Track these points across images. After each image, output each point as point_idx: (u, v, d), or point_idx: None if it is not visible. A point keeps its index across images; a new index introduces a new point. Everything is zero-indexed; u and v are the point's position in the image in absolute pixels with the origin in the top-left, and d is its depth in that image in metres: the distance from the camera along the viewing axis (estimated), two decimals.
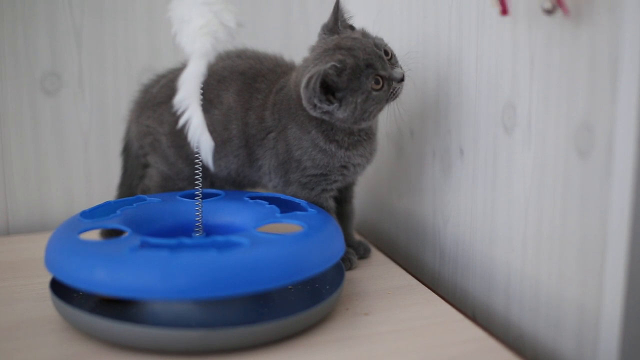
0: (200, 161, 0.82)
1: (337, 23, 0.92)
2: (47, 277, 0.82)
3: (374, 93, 0.88)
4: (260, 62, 1.00)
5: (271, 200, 0.92)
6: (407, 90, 1.07)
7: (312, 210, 0.86)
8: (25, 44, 1.14)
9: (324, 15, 1.30)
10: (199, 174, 0.85)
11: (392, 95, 0.90)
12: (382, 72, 0.88)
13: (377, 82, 0.87)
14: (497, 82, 0.85)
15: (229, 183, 1.01)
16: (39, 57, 1.15)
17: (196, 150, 0.80)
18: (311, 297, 0.82)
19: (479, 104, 0.89)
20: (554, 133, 0.75)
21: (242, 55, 1.02)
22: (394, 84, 0.89)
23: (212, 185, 1.01)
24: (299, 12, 1.29)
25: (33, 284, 0.89)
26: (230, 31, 0.79)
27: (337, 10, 0.92)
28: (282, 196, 0.92)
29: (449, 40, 0.95)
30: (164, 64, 1.21)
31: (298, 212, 0.86)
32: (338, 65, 0.86)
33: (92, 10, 1.17)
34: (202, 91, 0.78)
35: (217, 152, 0.92)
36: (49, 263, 0.76)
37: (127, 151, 1.08)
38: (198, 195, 0.87)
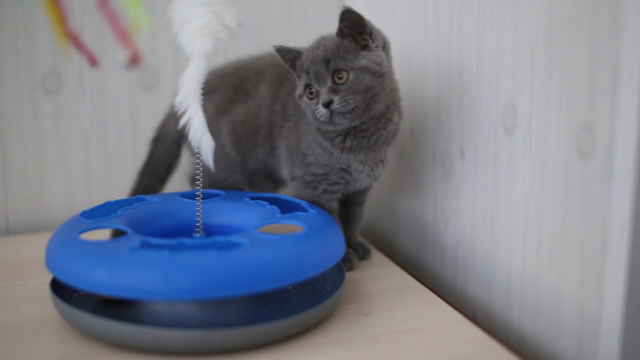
0: (201, 161, 0.82)
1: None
2: (47, 277, 0.82)
3: (304, 99, 0.90)
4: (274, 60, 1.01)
5: (272, 200, 0.92)
6: (408, 91, 1.08)
7: (313, 211, 0.86)
8: (25, 43, 1.14)
9: (324, 15, 1.31)
10: (199, 174, 0.85)
11: (315, 113, 0.87)
12: (314, 85, 0.88)
13: (310, 92, 0.89)
14: (497, 83, 0.85)
15: (265, 177, 1.03)
16: (40, 57, 1.15)
17: (197, 150, 0.80)
18: (311, 298, 0.82)
19: (480, 105, 0.89)
20: (555, 134, 0.75)
21: (279, 62, 1.02)
22: (320, 104, 0.87)
23: (250, 183, 1.03)
24: (299, 12, 1.29)
25: (33, 284, 0.89)
26: (231, 31, 0.79)
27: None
28: (283, 197, 0.92)
29: (450, 41, 0.95)
30: (165, 64, 1.22)
31: (298, 213, 0.86)
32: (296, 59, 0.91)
33: (92, 10, 1.17)
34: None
35: (250, 142, 0.98)
36: (50, 263, 0.76)
37: (157, 141, 1.08)
38: (198, 196, 0.87)
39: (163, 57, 1.21)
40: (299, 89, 0.90)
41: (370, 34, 0.89)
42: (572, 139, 0.72)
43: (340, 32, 0.88)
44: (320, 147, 0.92)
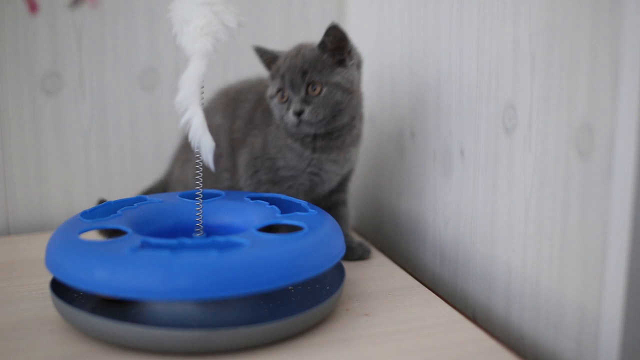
0: (201, 161, 0.82)
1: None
2: (47, 277, 0.82)
3: (275, 100, 0.94)
4: (241, 82, 1.08)
5: (272, 200, 0.92)
6: (408, 91, 1.08)
7: (313, 211, 0.86)
8: (25, 43, 1.14)
9: (324, 15, 1.31)
10: (199, 174, 0.85)
11: (284, 117, 0.93)
12: (287, 90, 0.92)
13: (282, 96, 0.93)
14: (497, 82, 0.85)
15: None
16: (40, 57, 1.15)
17: (197, 150, 0.80)
18: (311, 298, 0.82)
19: (480, 104, 0.89)
20: (555, 134, 0.75)
21: (227, 89, 1.09)
22: (290, 111, 0.92)
23: None
24: (299, 12, 1.29)
25: (33, 284, 0.89)
26: (231, 31, 0.79)
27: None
28: (283, 197, 0.93)
29: (450, 40, 0.95)
30: (165, 64, 1.22)
31: (298, 213, 0.86)
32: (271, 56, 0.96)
33: (92, 10, 1.17)
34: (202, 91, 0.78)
35: (213, 173, 1.00)
36: (50, 263, 0.76)
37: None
38: (198, 196, 0.87)
39: (163, 57, 1.21)
40: (271, 90, 0.95)
41: (349, 52, 0.94)
42: (572, 139, 0.72)
43: (323, 45, 0.93)
44: (291, 150, 0.96)
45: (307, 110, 0.91)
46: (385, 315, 0.81)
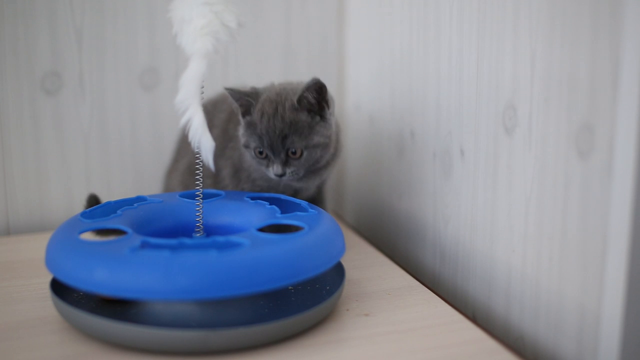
0: (201, 161, 0.82)
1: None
2: (47, 277, 0.82)
3: (253, 154, 0.93)
4: (217, 95, 1.09)
5: (272, 200, 0.92)
6: (408, 91, 1.08)
7: (313, 211, 0.86)
8: (25, 43, 1.14)
9: (324, 15, 1.31)
10: (199, 174, 0.85)
11: (264, 170, 0.93)
12: (266, 151, 0.92)
13: (260, 153, 0.93)
14: (497, 82, 0.85)
15: None
16: (40, 57, 1.15)
17: (197, 150, 0.80)
18: (311, 298, 0.82)
19: (480, 104, 0.89)
20: (555, 134, 0.75)
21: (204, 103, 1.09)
22: (271, 170, 0.92)
23: None
24: (299, 12, 1.29)
25: (33, 284, 0.89)
26: (231, 31, 0.79)
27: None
28: (283, 197, 0.93)
29: (450, 40, 0.95)
30: (165, 64, 1.22)
31: (299, 213, 0.86)
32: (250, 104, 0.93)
33: (92, 10, 1.17)
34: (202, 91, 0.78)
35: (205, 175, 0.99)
36: (50, 263, 0.76)
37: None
38: (198, 196, 0.87)
39: (163, 57, 1.21)
40: (247, 141, 0.93)
41: (328, 103, 0.93)
42: (572, 139, 0.72)
43: (302, 101, 0.91)
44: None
45: (288, 172, 0.92)
46: (385, 315, 0.81)
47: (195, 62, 0.77)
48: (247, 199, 0.92)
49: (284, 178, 0.92)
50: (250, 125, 0.93)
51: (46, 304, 0.81)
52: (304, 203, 0.89)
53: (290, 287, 0.85)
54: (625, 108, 0.65)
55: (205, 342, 0.70)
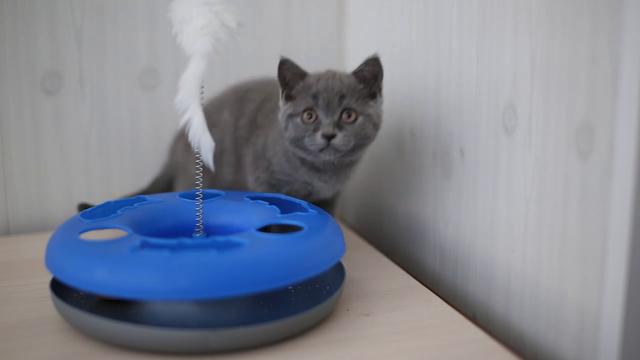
0: (201, 161, 0.82)
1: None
2: (47, 277, 0.82)
3: (297, 121, 0.90)
4: (251, 81, 1.08)
5: (271, 200, 0.92)
6: (408, 91, 1.08)
7: (313, 211, 0.86)
8: (25, 43, 1.14)
9: (324, 15, 1.31)
10: (199, 174, 0.85)
11: (308, 139, 0.88)
12: (317, 111, 0.88)
13: (309, 116, 0.89)
14: (497, 82, 0.85)
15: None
16: (40, 57, 1.15)
17: (197, 150, 0.80)
18: (311, 298, 0.82)
19: (480, 104, 0.89)
20: (555, 134, 0.75)
21: (237, 87, 1.09)
22: (319, 133, 0.88)
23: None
24: (299, 12, 1.29)
25: (33, 284, 0.88)
26: (231, 31, 0.79)
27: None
28: (283, 197, 0.93)
29: (450, 40, 0.95)
30: (165, 64, 1.22)
31: (298, 213, 0.86)
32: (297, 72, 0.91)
33: (92, 10, 1.17)
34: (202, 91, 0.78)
35: (216, 164, 0.94)
36: (50, 263, 0.76)
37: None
38: (198, 196, 0.87)
39: (163, 57, 1.21)
40: (294, 109, 0.90)
41: (380, 88, 0.92)
42: (572, 139, 0.72)
43: (360, 74, 0.91)
44: (288, 160, 0.95)
45: (340, 136, 0.87)
46: (385, 315, 0.81)
47: (195, 62, 0.77)
48: (247, 199, 0.92)
49: (334, 141, 0.87)
50: (303, 89, 0.90)
51: (46, 304, 0.81)
52: (303, 203, 0.89)
53: (290, 287, 0.85)
54: (625, 108, 0.65)
55: (205, 342, 0.70)
